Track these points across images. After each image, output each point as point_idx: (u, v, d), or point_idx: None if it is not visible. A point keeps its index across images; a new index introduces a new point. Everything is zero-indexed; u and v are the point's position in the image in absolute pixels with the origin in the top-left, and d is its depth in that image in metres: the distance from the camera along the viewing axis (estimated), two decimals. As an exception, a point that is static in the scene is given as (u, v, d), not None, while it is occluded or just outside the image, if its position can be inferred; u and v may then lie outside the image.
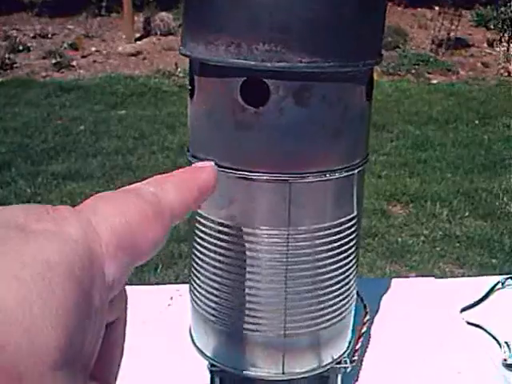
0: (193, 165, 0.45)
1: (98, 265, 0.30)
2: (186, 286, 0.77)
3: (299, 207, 0.58)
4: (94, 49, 6.59)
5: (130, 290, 0.98)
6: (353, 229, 0.64)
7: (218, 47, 0.55)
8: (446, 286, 1.03)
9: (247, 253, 0.60)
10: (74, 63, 6.18)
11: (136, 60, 6.43)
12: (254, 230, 0.59)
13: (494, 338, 0.89)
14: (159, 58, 6.42)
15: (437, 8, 7.60)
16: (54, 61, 6.11)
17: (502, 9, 7.33)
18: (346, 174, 0.60)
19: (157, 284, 2.76)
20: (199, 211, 0.63)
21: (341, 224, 0.62)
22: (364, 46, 0.57)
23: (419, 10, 8.39)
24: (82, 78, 5.90)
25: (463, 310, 0.97)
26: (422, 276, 1.08)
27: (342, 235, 0.63)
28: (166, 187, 0.39)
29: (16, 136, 4.52)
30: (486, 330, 0.91)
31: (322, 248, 0.61)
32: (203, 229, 0.63)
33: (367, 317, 0.80)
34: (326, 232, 0.61)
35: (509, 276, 1.04)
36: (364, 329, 0.78)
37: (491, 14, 7.72)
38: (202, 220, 0.63)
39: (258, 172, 0.57)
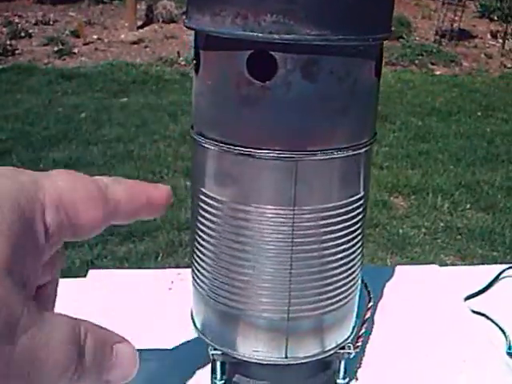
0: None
1: (39, 206, 0.37)
2: (188, 270, 0.76)
3: (305, 186, 0.57)
4: (95, 36, 6.55)
5: (131, 274, 0.96)
6: (359, 209, 0.63)
7: (224, 19, 0.53)
8: (450, 274, 1.01)
9: (251, 232, 0.59)
10: (76, 50, 6.15)
11: (138, 48, 6.39)
12: (259, 209, 0.58)
13: (499, 326, 0.88)
14: (161, 46, 6.39)
15: (441, -1, 7.56)
16: (55, 48, 6.07)
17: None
18: (353, 152, 0.58)
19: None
20: (202, 189, 0.62)
21: (347, 204, 0.60)
22: (374, 19, 0.55)
23: (423, 0, 8.35)
24: (83, 65, 5.87)
25: (467, 298, 0.95)
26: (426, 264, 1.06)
27: (348, 216, 0.61)
28: (119, 185, 0.45)
29: (17, 123, 4.50)
30: (490, 319, 0.89)
31: (328, 229, 0.59)
32: (206, 207, 0.62)
33: (371, 303, 0.79)
34: (333, 212, 0.59)
35: (514, 264, 1.02)
36: (368, 315, 0.77)
37: (495, 6, 7.68)
38: (205, 198, 0.61)
39: (264, 149, 0.56)
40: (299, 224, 0.57)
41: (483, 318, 0.92)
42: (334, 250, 0.61)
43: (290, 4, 0.51)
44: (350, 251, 0.63)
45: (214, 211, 0.60)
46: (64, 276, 2.03)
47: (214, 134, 0.58)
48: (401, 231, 3.49)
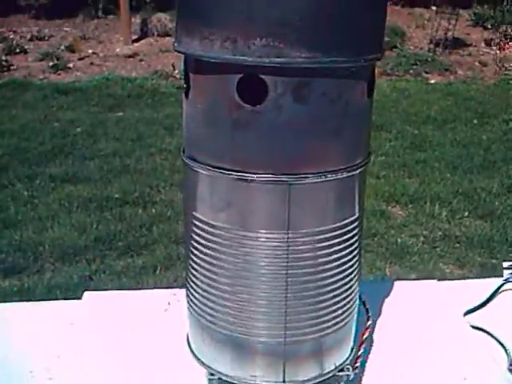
0: None
1: None
2: (183, 291, 0.75)
3: (299, 209, 0.56)
4: (90, 51, 6.56)
5: (126, 295, 0.95)
6: (355, 231, 0.62)
7: (214, 42, 0.53)
8: (449, 289, 1.01)
9: (246, 257, 0.58)
10: (71, 65, 6.14)
11: (133, 61, 6.39)
12: (253, 234, 0.57)
13: (499, 342, 0.87)
14: (156, 60, 6.39)
15: (434, 7, 7.58)
16: (51, 63, 6.07)
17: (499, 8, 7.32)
18: (347, 174, 0.57)
19: (155, 287, 2.73)
20: (195, 214, 0.61)
21: (343, 226, 0.60)
22: (365, 40, 0.55)
23: (417, 9, 8.37)
24: (79, 79, 5.86)
25: (467, 313, 0.94)
26: (425, 279, 1.05)
27: (344, 238, 0.60)
28: None
29: (13, 138, 4.49)
30: (490, 334, 0.88)
31: (323, 252, 0.59)
32: (200, 232, 0.61)
33: (369, 321, 0.78)
34: (328, 235, 0.58)
35: (510, 279, 1.01)
36: (366, 334, 0.76)
37: (488, 14, 7.70)
38: (198, 223, 0.61)
39: (257, 173, 0.55)
40: (294, 248, 0.57)
41: (483, 333, 0.91)
42: (330, 273, 0.60)
43: (280, 27, 0.50)
44: (347, 272, 0.63)
45: (206, 236, 0.60)
46: (62, 291, 2.01)
47: (206, 158, 0.57)
48: (399, 240, 3.48)
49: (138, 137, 4.73)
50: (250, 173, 0.55)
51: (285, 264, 0.57)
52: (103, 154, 4.38)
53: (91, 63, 6.30)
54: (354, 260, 0.64)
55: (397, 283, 1.01)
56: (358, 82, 0.56)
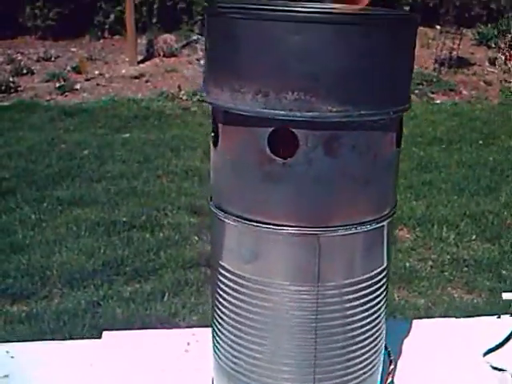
0: None
1: None
2: (202, 330, 0.74)
3: (329, 262, 0.56)
4: (97, 72, 6.58)
5: (145, 334, 0.95)
6: (383, 280, 0.61)
7: (245, 95, 0.53)
8: (467, 327, 1.00)
9: (273, 309, 0.57)
10: (78, 86, 6.17)
11: (139, 82, 6.41)
12: (281, 286, 0.56)
13: (522, 383, 0.86)
14: (162, 81, 6.41)
15: (438, 27, 7.61)
16: (57, 84, 6.09)
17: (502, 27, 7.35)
18: (376, 225, 0.57)
19: (165, 315, 2.72)
20: (221, 263, 0.60)
21: (371, 277, 0.59)
22: (394, 92, 0.55)
23: (421, 28, 8.42)
24: (85, 101, 5.88)
25: (486, 353, 0.93)
26: (443, 317, 1.04)
27: (372, 288, 0.60)
28: None
29: (20, 161, 4.50)
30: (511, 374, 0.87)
31: (352, 303, 0.58)
32: (226, 281, 0.60)
33: (392, 366, 0.77)
34: (357, 287, 0.58)
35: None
36: (389, 379, 0.75)
37: (492, 33, 7.72)
38: (225, 273, 0.60)
39: (286, 225, 0.55)
40: (323, 300, 0.56)
41: (504, 373, 0.90)
42: (358, 324, 0.60)
43: (311, 81, 0.50)
44: (375, 323, 0.62)
45: (233, 285, 0.59)
46: (71, 317, 2.00)
47: (235, 209, 0.57)
48: (407, 264, 3.47)
49: (144, 159, 4.73)
50: (279, 225, 0.55)
51: (314, 317, 0.57)
52: (110, 177, 4.39)
53: (97, 84, 6.32)
54: (382, 309, 0.63)
55: (415, 322, 1.01)
56: (387, 133, 0.56)
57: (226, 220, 0.57)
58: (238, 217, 0.56)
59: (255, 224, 0.55)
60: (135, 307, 2.87)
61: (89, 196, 3.96)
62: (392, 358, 0.78)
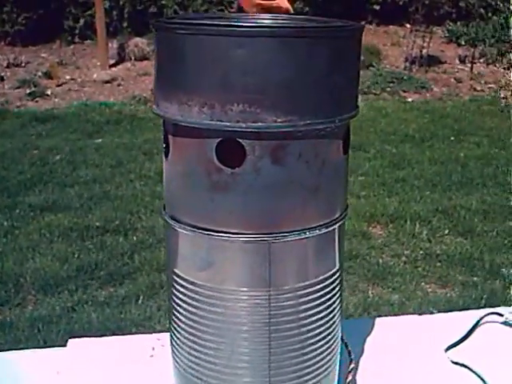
0: None
1: None
2: (167, 335, 0.75)
3: (280, 267, 0.57)
4: (68, 77, 6.55)
5: (111, 341, 0.96)
6: (336, 282, 0.63)
7: (192, 108, 0.54)
8: (430, 324, 1.02)
9: (228, 315, 0.59)
10: (49, 92, 6.13)
11: (111, 87, 6.40)
12: (234, 292, 0.58)
13: (481, 378, 0.88)
14: (134, 84, 6.40)
15: (408, 25, 7.67)
16: (28, 90, 6.06)
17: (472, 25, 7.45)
18: (326, 230, 0.59)
19: (139, 328, 2.72)
20: (176, 270, 0.62)
21: (324, 280, 0.61)
22: (339, 100, 0.56)
23: (391, 27, 8.47)
24: (57, 106, 5.85)
25: (448, 348, 0.95)
26: (405, 314, 1.06)
27: (325, 291, 0.61)
28: None
29: (-9, 168, 4.47)
30: (472, 370, 0.90)
31: (305, 306, 0.60)
32: (181, 289, 0.62)
33: (352, 365, 0.78)
34: (310, 289, 0.59)
35: (491, 311, 1.03)
36: (349, 377, 0.77)
37: (461, 30, 7.81)
38: (180, 280, 0.61)
39: (237, 233, 0.56)
40: (276, 304, 0.58)
41: (465, 369, 0.92)
42: (313, 326, 0.61)
43: (256, 93, 0.52)
44: (330, 323, 0.64)
45: (188, 293, 0.61)
46: (45, 323, 2.00)
47: (187, 219, 0.58)
48: (381, 261, 3.50)
49: (117, 163, 4.72)
50: (230, 233, 0.56)
51: (267, 321, 0.58)
52: (83, 181, 4.37)
53: (69, 89, 6.29)
54: (336, 310, 0.65)
55: (378, 320, 1.03)
56: (334, 140, 0.58)
57: (179, 229, 0.58)
58: (190, 226, 0.57)
59: (207, 233, 0.56)
60: (110, 311, 2.87)
61: (62, 201, 3.95)
62: (352, 356, 0.79)
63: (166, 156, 0.60)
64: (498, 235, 3.82)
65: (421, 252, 3.67)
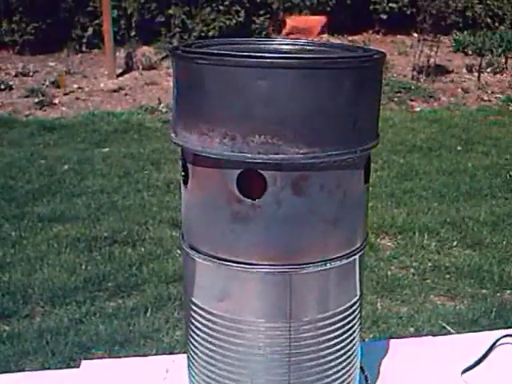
0: None
1: None
2: (182, 357, 0.75)
3: (301, 299, 0.56)
4: (76, 86, 6.56)
5: (124, 363, 0.95)
6: (357, 311, 0.62)
7: (213, 139, 0.53)
8: (445, 345, 1.01)
9: (246, 346, 0.58)
10: (57, 101, 6.14)
11: (118, 96, 6.40)
12: (254, 324, 0.57)
13: (498, 402, 0.87)
14: (142, 94, 6.41)
15: (416, 35, 7.67)
16: (36, 99, 6.07)
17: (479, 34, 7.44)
18: (347, 260, 0.58)
19: (149, 331, 2.71)
20: (194, 300, 0.61)
21: (345, 310, 0.60)
22: (361, 131, 0.56)
23: (398, 37, 8.47)
24: (64, 116, 5.85)
25: (464, 371, 0.94)
26: (420, 336, 1.05)
27: (346, 321, 0.61)
28: None
29: (-1, 177, 4.47)
30: (489, 394, 0.89)
31: (326, 337, 0.59)
32: (199, 318, 0.61)
33: (369, 390, 0.78)
34: (330, 320, 0.59)
35: (506, 334, 1.02)
36: (367, 404, 0.76)
37: (468, 40, 7.81)
38: (197, 310, 0.61)
39: (257, 264, 0.55)
40: (296, 336, 0.57)
41: (481, 392, 0.91)
42: (333, 356, 0.60)
43: (277, 125, 0.51)
44: (350, 352, 0.63)
45: (206, 323, 0.60)
46: (53, 335, 1.99)
47: (206, 249, 0.58)
48: (389, 273, 3.49)
49: (125, 173, 4.73)
50: (249, 264, 0.56)
51: (287, 352, 0.58)
52: (90, 192, 4.37)
53: (76, 98, 6.30)
54: (356, 338, 0.64)
55: (392, 342, 1.02)
56: (355, 171, 0.57)
57: (197, 259, 0.57)
58: (209, 256, 0.56)
59: (226, 263, 0.55)
60: (118, 323, 2.86)
61: (69, 212, 3.95)
62: (369, 382, 0.79)
63: (185, 184, 0.59)
64: (508, 246, 3.80)
65: (429, 264, 3.65)
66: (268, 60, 0.51)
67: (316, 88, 0.52)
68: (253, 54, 0.52)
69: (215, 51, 0.54)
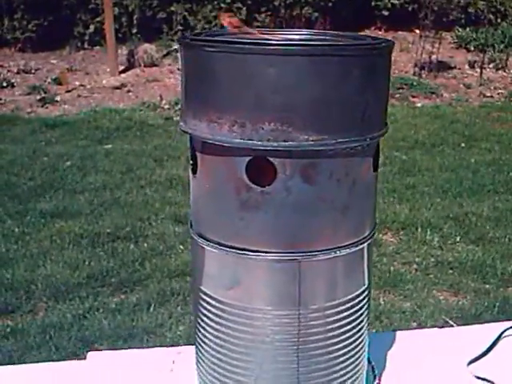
0: None
1: None
2: (188, 348, 0.75)
3: (310, 286, 0.56)
4: (77, 83, 6.55)
5: (130, 354, 0.95)
6: (365, 300, 0.62)
7: (222, 126, 0.53)
8: (450, 337, 1.01)
9: (255, 334, 0.58)
10: (59, 98, 6.14)
11: (120, 93, 6.40)
12: (263, 311, 0.57)
13: (505, 393, 0.87)
14: (144, 91, 6.40)
15: (418, 31, 7.66)
16: (38, 96, 6.07)
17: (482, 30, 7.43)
18: (355, 248, 0.58)
19: (152, 326, 2.72)
20: (203, 288, 0.61)
21: (353, 298, 0.60)
22: (370, 119, 0.56)
23: (400, 33, 8.46)
24: (66, 113, 5.85)
25: (471, 362, 0.94)
26: (425, 327, 1.05)
27: (354, 309, 0.61)
28: None
29: (2, 174, 4.48)
30: (495, 384, 0.89)
31: (334, 325, 0.59)
32: (208, 307, 0.61)
33: (376, 381, 0.78)
34: (339, 308, 0.59)
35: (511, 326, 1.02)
36: (374, 394, 0.76)
37: (471, 36, 7.80)
38: (206, 298, 0.61)
39: (266, 252, 0.55)
40: (305, 323, 0.57)
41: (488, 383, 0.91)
42: (341, 344, 0.60)
43: (287, 112, 0.51)
44: (358, 341, 0.63)
45: (215, 311, 0.60)
46: (56, 330, 1.99)
47: (215, 237, 0.58)
48: (392, 268, 3.48)
49: (127, 169, 4.73)
50: (259, 252, 0.56)
51: (296, 340, 0.58)
52: (93, 188, 4.38)
53: (78, 95, 6.30)
54: (364, 327, 0.64)
55: (399, 333, 1.02)
56: (364, 158, 0.57)
57: (206, 247, 0.58)
58: (218, 244, 0.56)
59: (235, 251, 0.55)
60: (121, 319, 2.87)
61: (72, 208, 3.95)
62: (376, 372, 0.79)
63: (194, 173, 0.60)
64: (510, 242, 3.79)
65: (432, 259, 3.65)
66: (277, 47, 0.51)
67: (325, 75, 0.52)
68: (262, 41, 0.52)
69: (224, 39, 0.54)
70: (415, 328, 2.70)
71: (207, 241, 0.58)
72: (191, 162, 0.60)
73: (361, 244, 0.59)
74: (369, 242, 0.60)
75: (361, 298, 0.61)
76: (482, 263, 3.52)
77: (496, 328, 1.03)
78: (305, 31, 0.61)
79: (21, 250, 3.35)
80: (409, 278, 3.36)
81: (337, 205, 0.55)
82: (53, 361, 2.08)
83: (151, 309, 2.94)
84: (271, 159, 0.53)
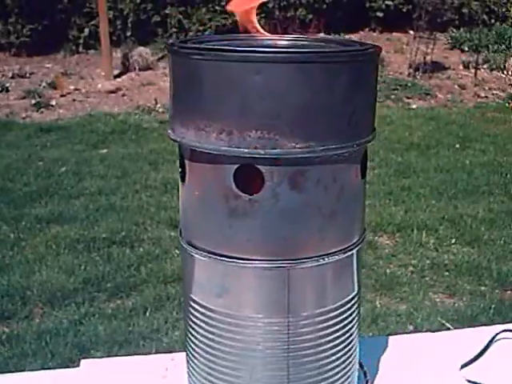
0: None
1: None
2: (181, 355, 0.75)
3: (299, 293, 0.56)
4: (72, 87, 6.55)
5: (123, 362, 0.95)
6: (355, 306, 0.62)
7: (209, 134, 0.53)
8: (443, 341, 1.01)
9: (245, 341, 0.58)
10: (54, 102, 6.14)
11: (115, 97, 6.39)
12: (252, 319, 0.57)
13: (498, 396, 0.87)
14: (138, 94, 6.40)
15: (412, 32, 7.68)
16: (33, 101, 6.06)
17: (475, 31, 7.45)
18: (344, 255, 0.58)
19: (148, 331, 2.71)
20: (193, 296, 0.61)
21: (343, 305, 0.60)
22: (357, 125, 0.56)
23: (394, 34, 8.48)
24: (61, 117, 5.85)
25: (463, 366, 0.94)
26: (419, 331, 1.05)
27: (344, 315, 0.61)
28: None
29: (-3, 179, 4.47)
30: (488, 388, 0.89)
31: (324, 332, 0.59)
32: (198, 315, 0.61)
33: (368, 385, 0.78)
34: (328, 315, 0.59)
35: (505, 329, 1.02)
36: (366, 399, 0.76)
37: (465, 36, 7.82)
38: (196, 306, 0.61)
39: (255, 260, 0.55)
40: (295, 331, 0.57)
41: (480, 386, 0.91)
42: (331, 351, 0.60)
43: (274, 119, 0.51)
44: (348, 347, 0.63)
45: (205, 319, 0.60)
46: (52, 336, 1.99)
47: (204, 245, 0.58)
48: (388, 271, 3.48)
49: (122, 173, 4.72)
50: (248, 259, 0.56)
51: (286, 347, 0.58)
52: (89, 193, 4.37)
53: (73, 100, 6.30)
54: (355, 333, 0.64)
55: (391, 338, 1.02)
56: (352, 165, 0.57)
57: (195, 255, 0.57)
58: (206, 252, 0.56)
59: (224, 259, 0.55)
60: (117, 324, 2.86)
61: (67, 213, 3.95)
62: (368, 378, 0.79)
63: (183, 180, 0.60)
64: (506, 243, 3.80)
65: (428, 261, 3.65)
66: (263, 54, 0.51)
67: (312, 82, 0.52)
68: (248, 48, 0.52)
69: (210, 46, 0.54)
70: (409, 332, 2.70)
71: (196, 249, 0.58)
72: (180, 169, 0.60)
73: (350, 250, 0.58)
74: (358, 248, 0.60)
75: (351, 304, 0.61)
76: (478, 265, 3.53)
77: (489, 331, 1.03)
78: (291, 37, 0.61)
79: (16, 255, 3.34)
80: (405, 281, 3.36)
81: (325, 211, 0.55)
82: (48, 368, 2.07)
83: (147, 314, 2.94)
84: (259, 167, 0.53)
